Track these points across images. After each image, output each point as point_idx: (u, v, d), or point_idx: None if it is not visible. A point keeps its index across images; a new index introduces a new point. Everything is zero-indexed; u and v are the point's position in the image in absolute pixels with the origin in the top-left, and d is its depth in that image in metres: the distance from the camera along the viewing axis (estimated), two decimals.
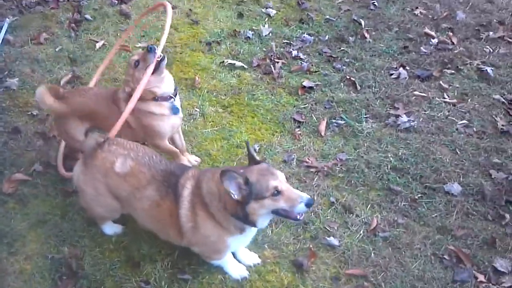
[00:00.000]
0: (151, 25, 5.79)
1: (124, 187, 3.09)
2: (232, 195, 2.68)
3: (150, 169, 3.07)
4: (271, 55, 5.35)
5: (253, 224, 2.82)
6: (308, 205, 2.69)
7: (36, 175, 4.01)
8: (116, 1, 6.23)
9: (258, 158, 2.88)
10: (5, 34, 5.58)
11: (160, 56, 3.49)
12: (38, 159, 4.12)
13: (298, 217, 2.79)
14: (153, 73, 3.46)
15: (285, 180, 2.76)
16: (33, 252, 3.49)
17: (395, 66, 5.14)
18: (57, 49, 5.42)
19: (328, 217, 3.70)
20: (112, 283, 3.30)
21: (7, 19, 5.83)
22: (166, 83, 3.64)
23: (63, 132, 3.86)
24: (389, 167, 4.04)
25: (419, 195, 3.82)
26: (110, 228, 3.58)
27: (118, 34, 5.64)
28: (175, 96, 3.69)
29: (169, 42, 5.53)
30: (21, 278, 3.34)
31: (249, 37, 5.66)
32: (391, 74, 5.04)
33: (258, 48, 5.52)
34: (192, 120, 4.52)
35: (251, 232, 3.06)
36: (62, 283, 3.30)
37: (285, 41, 5.62)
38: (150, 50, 3.44)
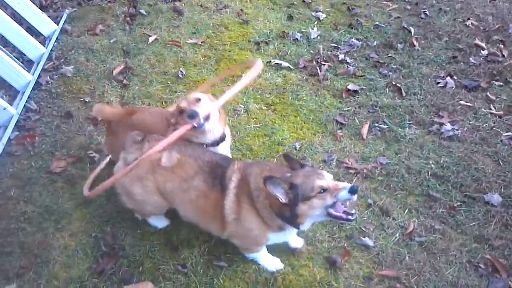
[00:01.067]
0: (202, 23, 5.93)
1: (173, 179, 3.13)
2: (280, 199, 2.74)
3: (197, 160, 3.13)
4: (318, 58, 5.40)
5: (297, 225, 2.87)
6: (352, 191, 2.67)
7: (85, 158, 4.19)
8: None
9: (300, 162, 2.95)
10: (63, 24, 5.84)
11: (200, 123, 3.13)
12: (88, 143, 4.31)
13: (351, 217, 2.81)
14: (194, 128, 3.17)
15: (331, 178, 2.80)
16: (78, 230, 3.66)
17: (442, 75, 5.11)
18: (111, 41, 5.63)
19: (365, 218, 3.72)
20: (150, 264, 3.42)
21: (66, 10, 6.11)
22: (206, 136, 3.33)
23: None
24: (429, 174, 4.03)
25: (458, 203, 3.80)
26: (159, 222, 3.66)
27: (171, 30, 5.81)
28: (215, 145, 3.40)
29: (218, 40, 5.67)
30: (65, 253, 3.51)
31: (297, 39, 5.73)
32: (438, 83, 5.01)
33: (305, 50, 5.58)
34: (236, 116, 4.61)
35: (291, 231, 3.11)
36: (103, 261, 3.44)
37: (333, 44, 5.66)
38: (190, 116, 3.13)
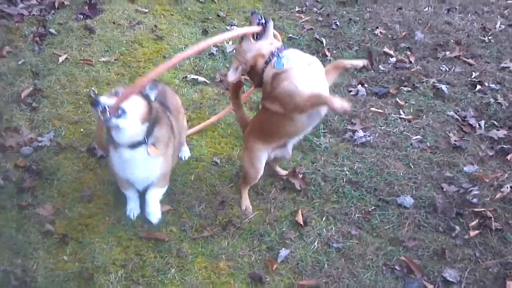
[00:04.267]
0: (115, 40, 5.82)
1: None
2: None
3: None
4: None
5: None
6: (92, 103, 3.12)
7: None
8: (82, 16, 6.25)
9: None
10: None
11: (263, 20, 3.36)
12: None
13: None
14: (261, 38, 3.35)
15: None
16: None
17: (354, 83, 5.27)
18: (19, 63, 5.38)
19: (284, 229, 3.74)
20: None
21: None
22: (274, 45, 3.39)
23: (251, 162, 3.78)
24: (344, 180, 4.12)
25: (373, 208, 3.91)
26: None
27: (82, 48, 5.65)
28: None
29: (132, 57, 5.57)
30: None
31: (213, 53, 5.74)
32: (350, 91, 5.16)
33: (221, 64, 5.60)
34: None
35: (124, 151, 3.31)
36: None
37: None
38: (252, 13, 3.47)
